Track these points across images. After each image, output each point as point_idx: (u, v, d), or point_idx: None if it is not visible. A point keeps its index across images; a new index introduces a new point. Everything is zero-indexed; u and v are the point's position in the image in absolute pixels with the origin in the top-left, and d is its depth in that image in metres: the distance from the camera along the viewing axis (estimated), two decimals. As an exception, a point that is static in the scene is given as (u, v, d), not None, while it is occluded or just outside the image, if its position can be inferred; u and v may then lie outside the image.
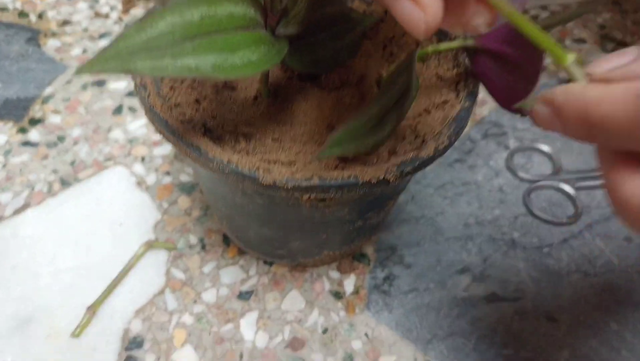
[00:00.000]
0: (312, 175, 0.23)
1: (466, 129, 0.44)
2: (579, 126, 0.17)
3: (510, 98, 0.24)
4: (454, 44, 0.28)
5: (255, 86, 0.29)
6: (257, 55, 0.22)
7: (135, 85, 0.26)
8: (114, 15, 0.52)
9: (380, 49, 0.32)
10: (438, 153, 0.24)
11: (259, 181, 0.23)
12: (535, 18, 0.55)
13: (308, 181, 0.23)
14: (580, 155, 0.42)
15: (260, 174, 0.23)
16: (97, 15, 0.52)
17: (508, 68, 0.25)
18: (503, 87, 0.25)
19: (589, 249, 0.36)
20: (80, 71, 0.18)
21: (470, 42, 0.27)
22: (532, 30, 0.18)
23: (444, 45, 0.28)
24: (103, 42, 0.49)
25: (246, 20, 0.23)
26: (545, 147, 0.42)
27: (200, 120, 0.27)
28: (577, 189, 0.39)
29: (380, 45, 0.32)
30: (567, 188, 0.39)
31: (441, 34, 0.31)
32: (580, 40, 0.53)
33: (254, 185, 0.23)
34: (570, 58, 0.18)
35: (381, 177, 0.23)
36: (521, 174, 0.40)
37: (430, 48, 0.28)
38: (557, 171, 0.40)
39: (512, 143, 0.42)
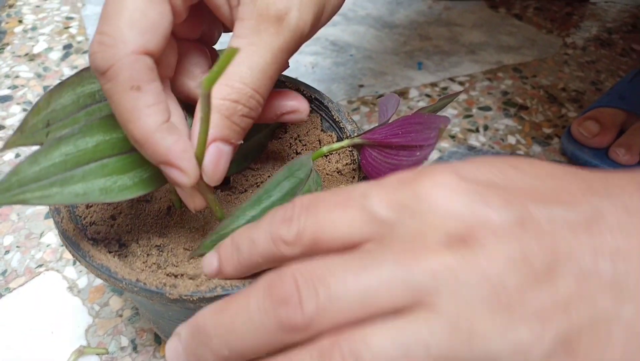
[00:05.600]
0: (215, 286, 0.25)
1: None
2: None
3: None
4: (344, 143, 0.31)
5: (169, 196, 0.31)
6: (149, 172, 0.25)
7: (50, 209, 0.28)
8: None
9: (286, 148, 0.35)
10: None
11: (166, 296, 0.24)
12: (444, 89, 0.61)
13: (212, 292, 0.25)
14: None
15: (167, 290, 0.25)
16: (30, 118, 0.54)
17: (392, 154, 0.29)
18: (385, 170, 0.29)
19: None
20: None
21: (357, 140, 0.31)
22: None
23: (337, 145, 0.31)
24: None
25: (145, 141, 0.26)
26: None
27: (114, 236, 0.29)
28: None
29: (287, 145, 0.35)
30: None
31: (339, 133, 0.34)
32: (486, 108, 0.59)
33: (162, 300, 0.25)
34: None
35: (280, 280, 0.25)
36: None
37: (325, 148, 0.31)
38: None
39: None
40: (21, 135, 0.24)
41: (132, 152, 0.24)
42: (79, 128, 0.22)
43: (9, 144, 0.24)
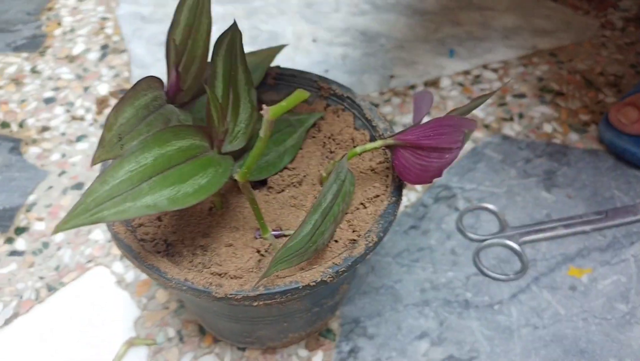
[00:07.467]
0: (258, 286, 0.26)
1: (419, 195, 0.47)
2: None
3: (422, 177, 0.30)
4: (377, 144, 0.31)
5: (210, 198, 0.32)
6: (206, 178, 0.26)
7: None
8: (89, 117, 0.56)
9: (320, 147, 0.36)
10: (368, 250, 0.28)
11: (212, 295, 0.26)
12: (477, 77, 0.60)
13: (255, 290, 0.26)
14: (524, 210, 0.46)
15: (213, 289, 0.26)
16: (74, 118, 0.56)
17: (423, 155, 0.29)
18: (416, 171, 0.30)
19: (537, 301, 0.39)
20: (57, 229, 0.22)
21: (390, 141, 0.31)
22: None
23: (370, 146, 0.32)
24: (80, 145, 0.53)
25: (194, 150, 0.27)
26: (491, 206, 0.45)
27: (162, 237, 0.30)
28: (521, 244, 0.42)
29: (320, 144, 0.36)
30: (512, 243, 0.42)
31: (372, 131, 0.35)
32: (520, 95, 0.58)
33: (209, 298, 0.26)
34: None
35: (319, 279, 0.26)
36: (470, 234, 0.43)
37: (358, 149, 0.32)
38: (503, 228, 0.44)
39: (462, 204, 0.46)
40: (102, 150, 0.26)
41: (187, 162, 0.26)
42: (137, 145, 0.24)
43: (95, 159, 0.26)
